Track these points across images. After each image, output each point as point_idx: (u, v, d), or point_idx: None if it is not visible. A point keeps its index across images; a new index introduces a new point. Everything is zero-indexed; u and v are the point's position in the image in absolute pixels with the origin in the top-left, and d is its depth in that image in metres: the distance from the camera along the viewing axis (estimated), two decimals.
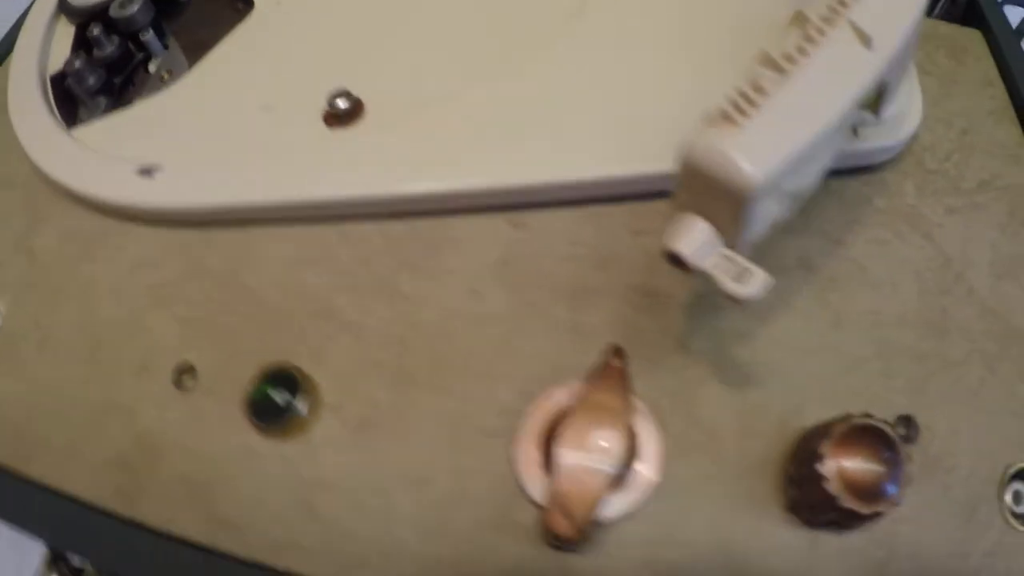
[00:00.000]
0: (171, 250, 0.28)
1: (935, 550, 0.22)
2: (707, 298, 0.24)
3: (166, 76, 0.33)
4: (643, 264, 0.25)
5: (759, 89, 0.17)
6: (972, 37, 0.30)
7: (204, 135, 0.29)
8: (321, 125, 0.28)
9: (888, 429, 0.20)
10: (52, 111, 0.32)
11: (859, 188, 0.27)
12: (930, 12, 0.33)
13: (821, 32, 0.18)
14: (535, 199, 0.26)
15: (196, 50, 0.33)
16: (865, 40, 0.18)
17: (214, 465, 0.24)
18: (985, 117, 0.28)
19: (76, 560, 0.29)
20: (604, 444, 0.20)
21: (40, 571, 0.28)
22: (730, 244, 0.19)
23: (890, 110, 0.25)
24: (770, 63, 0.18)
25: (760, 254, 0.24)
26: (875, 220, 0.27)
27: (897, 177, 0.27)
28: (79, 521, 0.25)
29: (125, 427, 0.26)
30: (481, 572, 0.22)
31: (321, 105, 0.28)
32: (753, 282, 0.18)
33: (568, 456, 0.20)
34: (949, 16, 0.33)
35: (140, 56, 0.35)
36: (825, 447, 0.20)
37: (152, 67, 0.34)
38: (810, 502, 0.21)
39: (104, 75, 0.33)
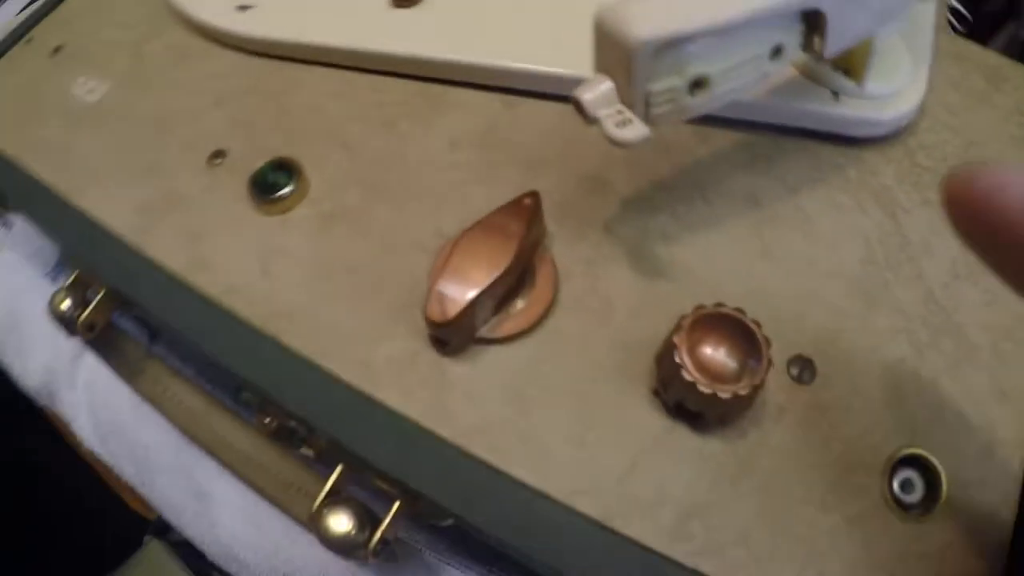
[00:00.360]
0: (242, 71, 0.35)
1: (792, 489, 0.22)
2: (646, 199, 0.28)
3: None
4: (601, 158, 0.29)
5: None
6: (1018, 71, 0.30)
7: None
8: (388, 4, 0.34)
9: (745, 319, 0.22)
10: None
11: (834, 155, 0.28)
12: (985, 43, 0.33)
13: None
14: (530, 87, 0.30)
15: None
16: None
17: (211, 223, 0.30)
18: (1006, 140, 0.28)
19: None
20: (492, 257, 0.24)
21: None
22: (626, 101, 0.22)
23: (875, 87, 0.27)
24: None
25: (711, 182, 0.28)
26: (840, 185, 0.28)
27: (879, 159, 0.28)
28: (101, 242, 0.31)
29: (159, 185, 0.32)
30: (368, 351, 0.26)
31: None
32: (629, 130, 0.22)
33: (456, 258, 0.24)
34: (1007, 52, 0.33)
35: None
36: (678, 335, 0.22)
37: None
38: (665, 375, 0.23)
39: None
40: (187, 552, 0.69)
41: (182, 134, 0.33)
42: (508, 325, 0.25)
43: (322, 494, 0.27)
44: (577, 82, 0.25)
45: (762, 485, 0.22)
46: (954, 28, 0.38)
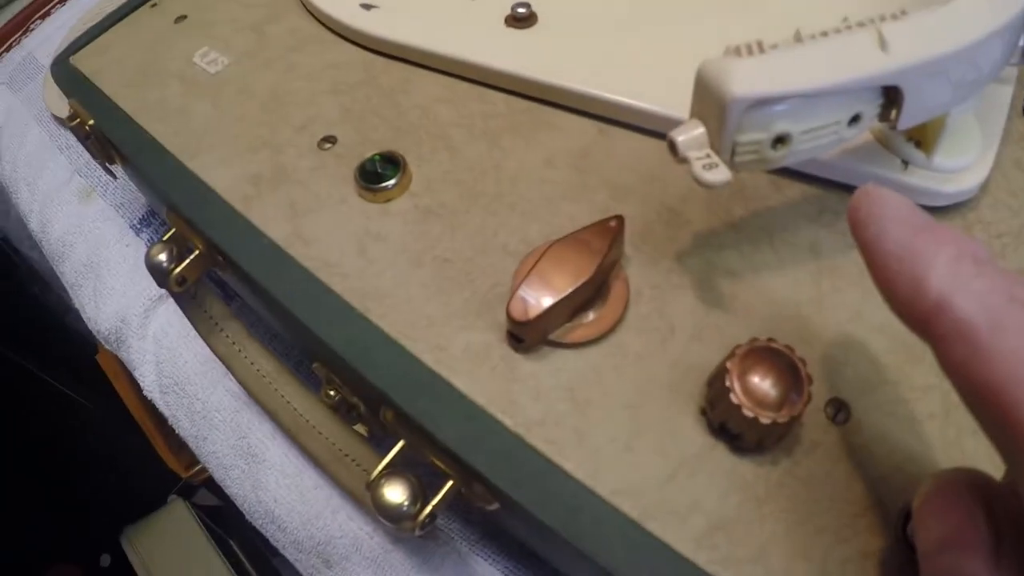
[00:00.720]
0: (359, 64, 0.37)
1: (813, 518, 0.24)
2: (717, 236, 0.30)
3: None
4: (682, 192, 0.31)
5: (774, 45, 0.24)
6: None
7: (415, 3, 0.39)
8: (502, 23, 0.36)
9: (793, 355, 0.24)
10: None
11: None
12: None
13: (849, 28, 0.24)
14: (626, 119, 0.32)
15: None
16: (882, 43, 0.24)
17: (315, 201, 0.32)
18: None
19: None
20: (575, 269, 0.26)
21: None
22: (715, 147, 0.24)
23: (943, 161, 0.29)
24: (797, 36, 0.24)
25: (779, 228, 0.30)
26: None
27: None
28: (211, 207, 0.34)
29: (269, 159, 0.34)
30: (448, 338, 0.28)
31: (506, 9, 0.37)
32: (715, 173, 0.24)
33: (543, 265, 0.26)
34: None
35: None
36: (731, 362, 0.24)
37: None
38: (712, 396, 0.25)
39: None
40: (208, 515, 0.72)
41: (296, 115, 0.36)
42: (578, 333, 0.27)
43: (382, 465, 0.29)
44: (671, 121, 0.28)
45: (786, 509, 0.24)
46: None
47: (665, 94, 0.31)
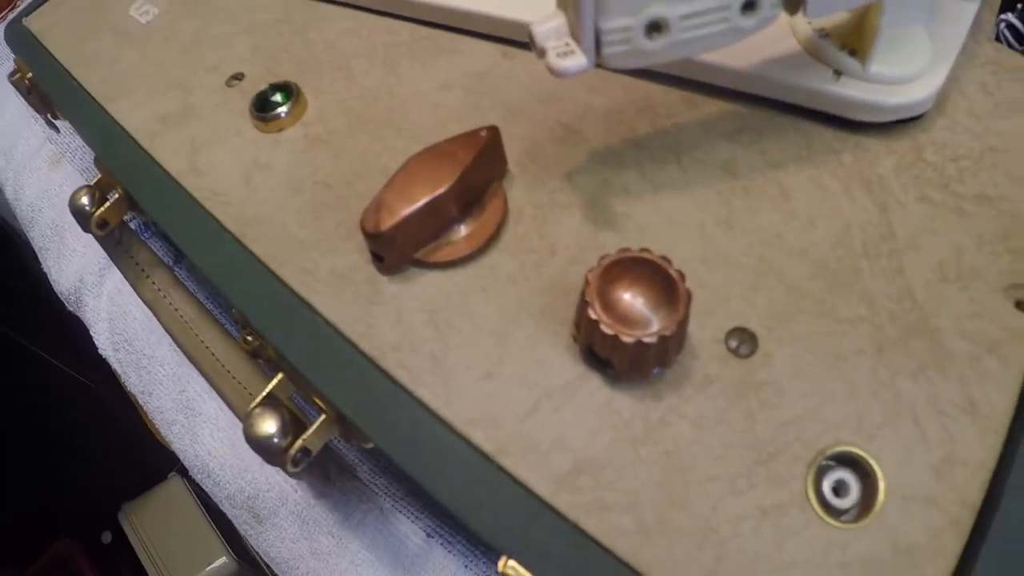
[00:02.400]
0: (276, 4, 0.38)
1: (701, 464, 0.22)
2: (616, 154, 0.28)
3: None
4: (579, 110, 0.29)
5: None
6: None
7: None
8: None
9: (668, 267, 0.22)
10: None
11: (831, 138, 0.27)
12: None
13: None
14: (515, 36, 0.31)
15: None
16: None
17: (213, 135, 0.33)
18: None
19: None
20: (435, 179, 0.25)
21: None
22: (575, 36, 0.23)
23: (882, 70, 0.26)
24: None
25: (689, 147, 0.28)
26: (830, 168, 0.27)
27: (880, 148, 0.27)
28: (120, 146, 0.34)
29: (179, 99, 0.35)
30: (316, 262, 0.28)
31: None
32: (569, 60, 0.22)
33: (401, 176, 0.26)
34: None
35: None
36: (591, 273, 0.22)
37: None
38: (577, 322, 0.23)
39: None
40: (206, 493, 0.73)
41: (211, 57, 0.36)
42: (445, 252, 0.26)
43: (258, 399, 0.29)
44: None
45: (667, 452, 0.22)
46: (1010, 45, 0.36)
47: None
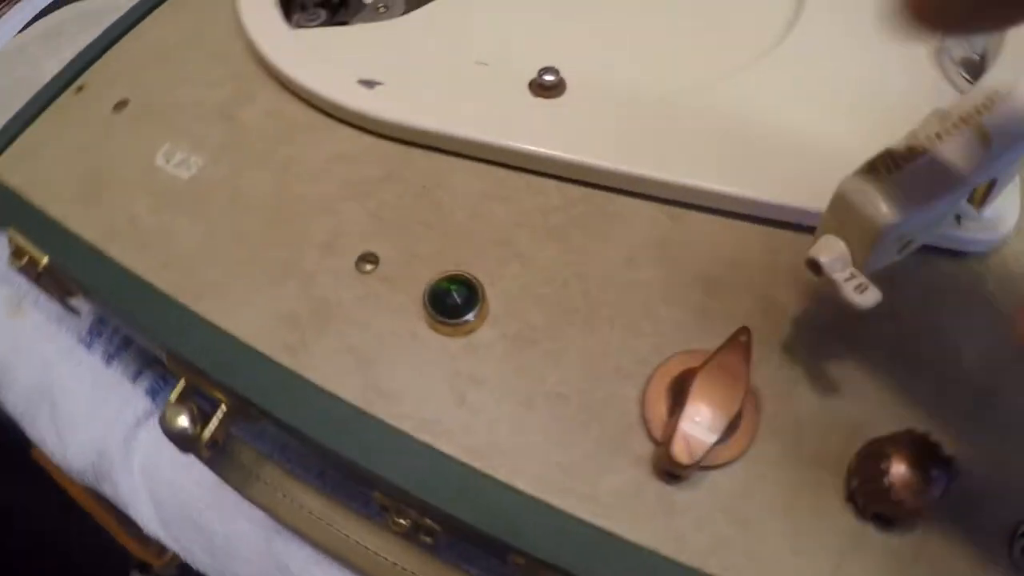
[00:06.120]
0: (372, 155, 0.31)
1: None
2: (816, 318, 0.28)
3: (382, 9, 0.36)
4: (770, 279, 0.28)
5: (904, 157, 0.22)
6: None
7: (421, 69, 0.32)
8: (526, 90, 0.31)
9: (943, 447, 0.23)
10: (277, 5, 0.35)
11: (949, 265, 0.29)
12: None
13: (956, 127, 0.22)
14: (694, 200, 0.29)
15: None
16: (984, 141, 0.22)
17: (381, 343, 0.26)
18: None
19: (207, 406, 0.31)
20: (724, 398, 0.23)
21: (167, 401, 0.30)
22: (858, 266, 0.23)
23: (990, 213, 0.28)
24: (913, 138, 0.22)
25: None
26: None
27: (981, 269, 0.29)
28: (245, 362, 0.27)
29: (301, 291, 0.28)
30: (592, 484, 0.25)
31: (529, 75, 0.31)
32: (868, 295, 0.22)
33: (694, 400, 0.24)
34: None
35: None
36: (888, 447, 0.23)
37: None
38: (866, 492, 0.23)
39: None
40: None
41: (315, 229, 0.29)
42: (725, 453, 0.25)
43: None
44: (750, 203, 0.27)
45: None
46: None
47: (736, 172, 0.28)
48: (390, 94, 0.31)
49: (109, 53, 0.36)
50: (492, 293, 0.27)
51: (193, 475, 0.37)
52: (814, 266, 0.23)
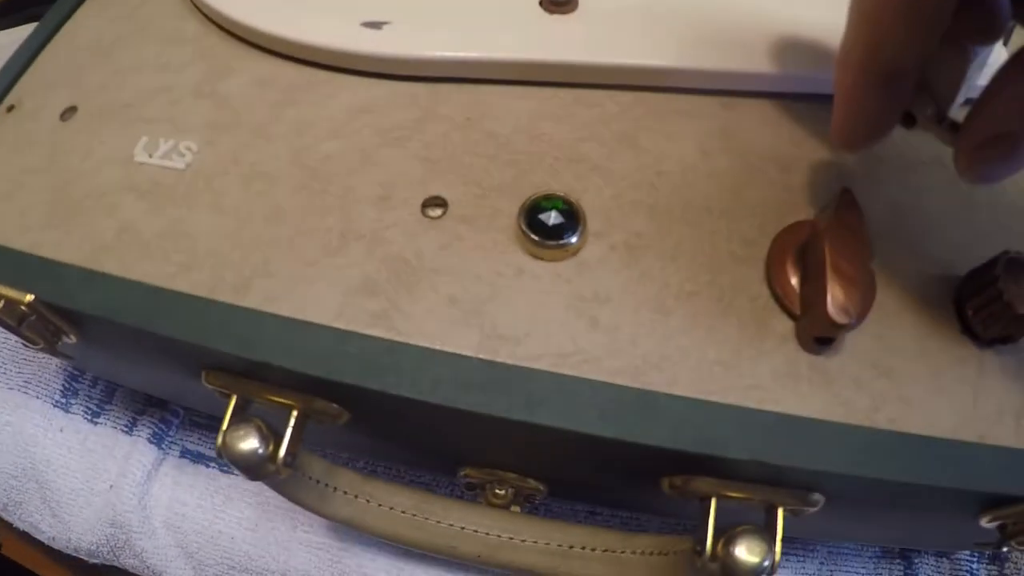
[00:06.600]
0: (397, 100, 0.27)
1: None
2: (879, 173, 0.27)
3: None
4: (827, 144, 0.28)
5: None
6: None
7: (420, 0, 0.29)
8: (539, 8, 0.29)
9: None
10: None
11: None
12: None
13: None
14: (739, 86, 0.28)
15: None
16: None
17: (485, 286, 0.24)
18: None
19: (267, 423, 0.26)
20: (854, 253, 0.23)
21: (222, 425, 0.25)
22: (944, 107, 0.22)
23: None
24: None
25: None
26: None
27: None
28: (332, 347, 0.23)
29: (368, 254, 0.24)
30: (751, 374, 0.23)
31: None
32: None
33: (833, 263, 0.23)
34: None
35: None
36: (998, 269, 0.23)
37: None
38: (985, 316, 0.23)
39: None
40: None
41: (363, 187, 0.26)
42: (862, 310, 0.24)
43: None
44: (791, 79, 0.27)
45: None
46: None
47: (768, 53, 0.28)
48: (401, 31, 0.28)
49: (35, 64, 0.30)
50: (585, 208, 0.25)
51: (230, 516, 0.32)
52: (910, 119, 0.23)
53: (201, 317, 0.24)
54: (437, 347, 0.23)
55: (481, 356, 0.23)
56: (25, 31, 0.32)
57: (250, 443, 0.24)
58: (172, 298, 0.24)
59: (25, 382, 0.33)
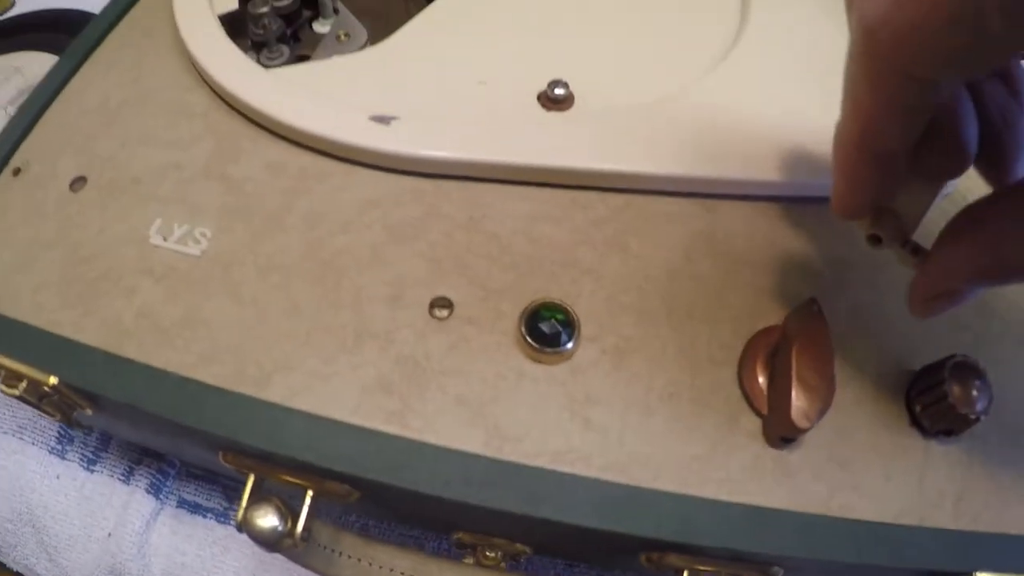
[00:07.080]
0: (403, 194, 0.29)
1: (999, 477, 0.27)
2: (846, 275, 0.30)
3: (343, 39, 0.33)
4: (802, 248, 0.30)
5: None
6: None
7: (428, 97, 0.30)
8: (536, 105, 0.31)
9: (982, 366, 0.26)
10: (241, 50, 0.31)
11: None
12: None
13: None
14: (722, 191, 0.30)
15: (368, 17, 0.34)
16: None
17: (489, 387, 0.26)
18: None
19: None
20: (819, 363, 0.25)
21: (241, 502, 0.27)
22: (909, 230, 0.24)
23: None
24: None
25: None
26: None
27: None
28: (351, 443, 0.25)
29: (382, 353, 0.26)
30: (724, 468, 0.26)
31: (537, 88, 0.31)
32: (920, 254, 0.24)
33: (799, 373, 0.25)
34: None
35: (308, 14, 0.34)
36: (945, 372, 0.26)
37: (320, 27, 0.34)
38: (931, 413, 0.26)
39: (283, 24, 0.33)
40: None
41: (373, 284, 0.27)
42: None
43: None
44: (773, 186, 0.29)
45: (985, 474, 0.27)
46: None
47: (751, 160, 0.30)
48: (408, 128, 0.29)
49: (40, 124, 0.30)
50: (578, 312, 0.27)
51: (227, 567, 0.34)
52: (875, 239, 0.25)
53: (227, 410, 0.25)
54: (447, 445, 0.25)
55: (487, 454, 0.25)
56: (16, 59, 0.32)
57: (270, 521, 0.26)
58: (198, 389, 0.25)
59: (20, 427, 0.34)
